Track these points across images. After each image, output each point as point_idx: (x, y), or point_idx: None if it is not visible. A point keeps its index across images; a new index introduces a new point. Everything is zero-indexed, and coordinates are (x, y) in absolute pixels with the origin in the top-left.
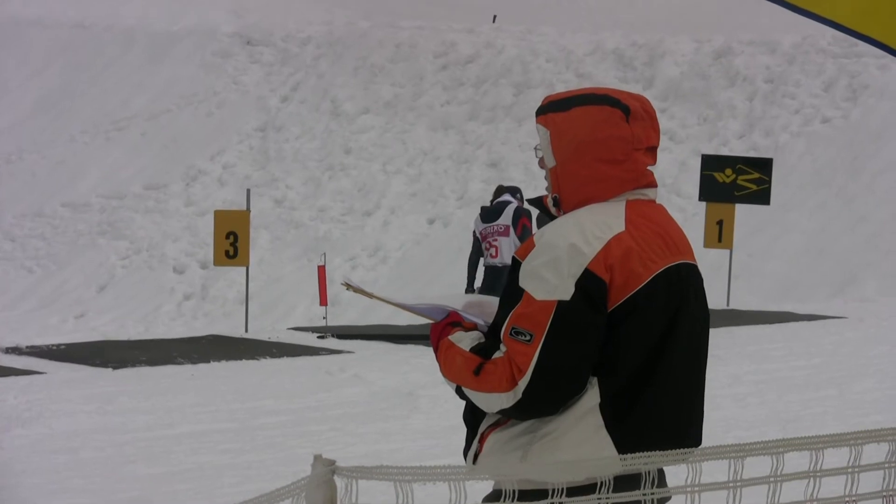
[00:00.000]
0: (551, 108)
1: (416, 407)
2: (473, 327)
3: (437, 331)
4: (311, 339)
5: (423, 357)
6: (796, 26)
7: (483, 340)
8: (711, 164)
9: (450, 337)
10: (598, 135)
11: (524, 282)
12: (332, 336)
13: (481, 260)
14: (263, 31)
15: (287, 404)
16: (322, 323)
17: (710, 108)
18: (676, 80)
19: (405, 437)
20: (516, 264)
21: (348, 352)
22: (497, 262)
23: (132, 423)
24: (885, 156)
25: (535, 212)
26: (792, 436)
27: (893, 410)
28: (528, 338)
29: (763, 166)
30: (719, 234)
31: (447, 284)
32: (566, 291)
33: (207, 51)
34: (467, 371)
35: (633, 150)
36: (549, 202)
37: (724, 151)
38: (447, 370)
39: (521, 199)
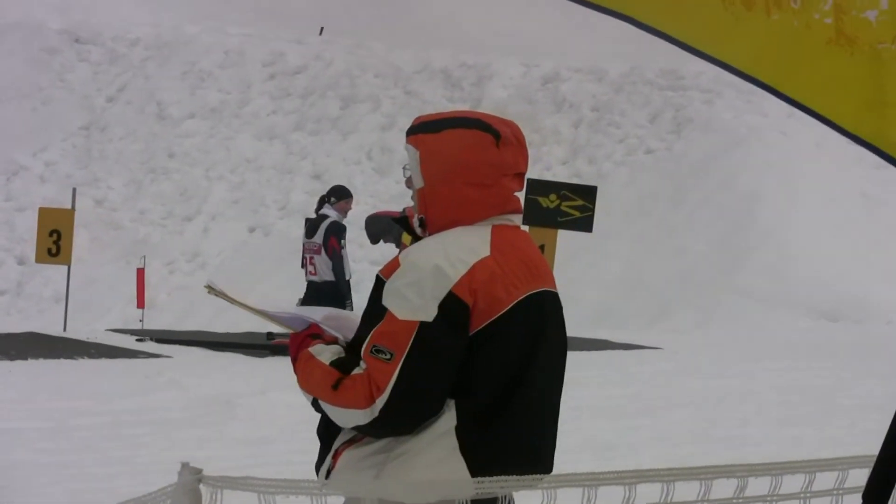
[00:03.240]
0: (422, 129)
1: (233, 415)
2: (334, 341)
3: (296, 341)
4: (129, 342)
5: (241, 365)
6: (624, 55)
7: (343, 355)
8: (537, 188)
9: (310, 349)
10: (467, 158)
11: (387, 300)
12: (151, 340)
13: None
14: (92, 31)
15: (104, 406)
16: (138, 325)
17: (535, 133)
18: (503, 102)
19: (222, 444)
20: (380, 282)
21: (167, 356)
22: (316, 279)
23: None
24: (706, 189)
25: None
26: (606, 464)
27: (706, 442)
28: (388, 356)
29: (587, 193)
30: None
31: (265, 294)
32: (429, 312)
33: (34, 46)
34: (325, 385)
35: (502, 176)
36: (415, 223)
37: (548, 177)
38: (305, 382)
39: (337, 200)
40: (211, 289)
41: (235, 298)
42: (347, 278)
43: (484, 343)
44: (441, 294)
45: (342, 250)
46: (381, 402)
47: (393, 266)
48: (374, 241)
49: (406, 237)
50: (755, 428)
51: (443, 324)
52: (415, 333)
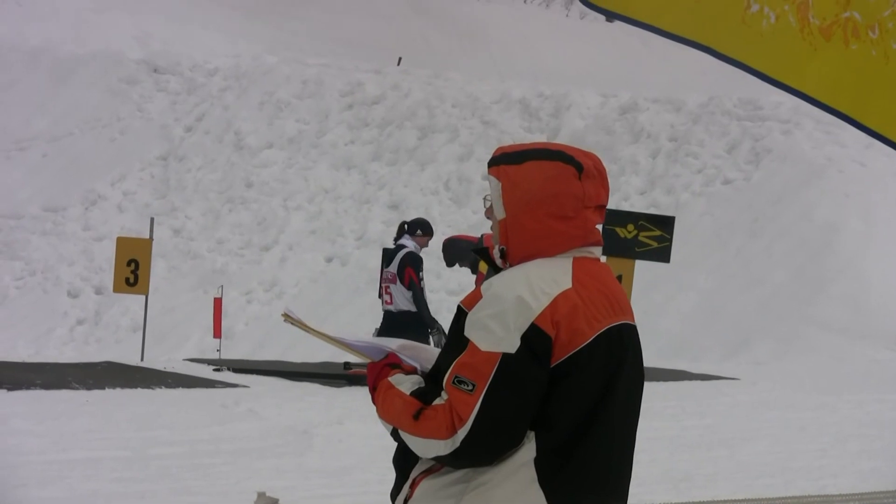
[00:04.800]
0: (504, 160)
1: (310, 445)
2: (412, 370)
3: (374, 370)
4: (206, 371)
5: (318, 395)
6: (702, 86)
7: (423, 385)
8: (614, 218)
9: (389, 378)
10: (550, 190)
11: (469, 331)
12: (228, 369)
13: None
14: (170, 60)
15: (181, 435)
16: (215, 355)
17: (612, 163)
18: (581, 132)
19: (299, 475)
20: (461, 313)
21: (244, 386)
22: (392, 308)
23: (25, 445)
24: (784, 220)
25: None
26: (683, 496)
27: (784, 473)
28: (470, 387)
29: (665, 224)
30: None
31: (342, 324)
32: (511, 344)
33: (113, 76)
34: (406, 415)
35: (584, 208)
36: (496, 254)
37: (625, 207)
38: (385, 412)
39: (422, 234)
40: (288, 317)
41: (312, 327)
42: None
43: (564, 375)
44: (524, 326)
45: (421, 282)
46: (462, 433)
47: (475, 297)
48: (451, 264)
49: (483, 265)
50: (833, 460)
51: (525, 356)
52: (497, 365)
